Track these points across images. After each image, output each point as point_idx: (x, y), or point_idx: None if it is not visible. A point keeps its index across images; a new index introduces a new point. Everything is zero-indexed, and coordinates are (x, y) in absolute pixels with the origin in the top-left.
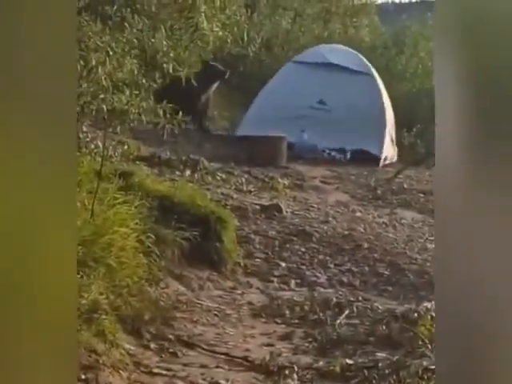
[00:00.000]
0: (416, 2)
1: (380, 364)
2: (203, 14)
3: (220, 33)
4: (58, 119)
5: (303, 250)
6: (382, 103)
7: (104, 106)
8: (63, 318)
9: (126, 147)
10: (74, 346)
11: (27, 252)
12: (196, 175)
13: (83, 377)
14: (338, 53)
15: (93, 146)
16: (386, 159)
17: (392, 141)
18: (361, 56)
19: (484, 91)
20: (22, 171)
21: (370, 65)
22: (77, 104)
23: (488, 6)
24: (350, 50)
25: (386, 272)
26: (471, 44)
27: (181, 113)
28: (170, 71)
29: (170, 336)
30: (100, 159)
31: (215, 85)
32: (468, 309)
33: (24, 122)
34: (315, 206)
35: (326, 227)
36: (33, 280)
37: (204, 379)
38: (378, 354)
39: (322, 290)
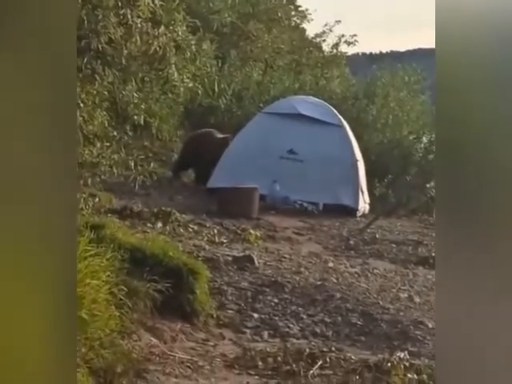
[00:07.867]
0: (386, 53)
1: None
2: (174, 66)
3: (190, 84)
4: None
5: (276, 300)
6: (354, 154)
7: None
8: None
9: (97, 199)
10: None
11: None
12: (168, 227)
13: None
14: (308, 104)
15: None
16: (358, 210)
17: (362, 191)
18: (331, 107)
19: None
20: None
21: (340, 116)
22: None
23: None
24: (321, 101)
25: (359, 322)
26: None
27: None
28: (141, 123)
29: None
30: None
31: None
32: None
33: None
34: (287, 256)
35: (298, 278)
36: None
37: None
38: None
39: (294, 340)
